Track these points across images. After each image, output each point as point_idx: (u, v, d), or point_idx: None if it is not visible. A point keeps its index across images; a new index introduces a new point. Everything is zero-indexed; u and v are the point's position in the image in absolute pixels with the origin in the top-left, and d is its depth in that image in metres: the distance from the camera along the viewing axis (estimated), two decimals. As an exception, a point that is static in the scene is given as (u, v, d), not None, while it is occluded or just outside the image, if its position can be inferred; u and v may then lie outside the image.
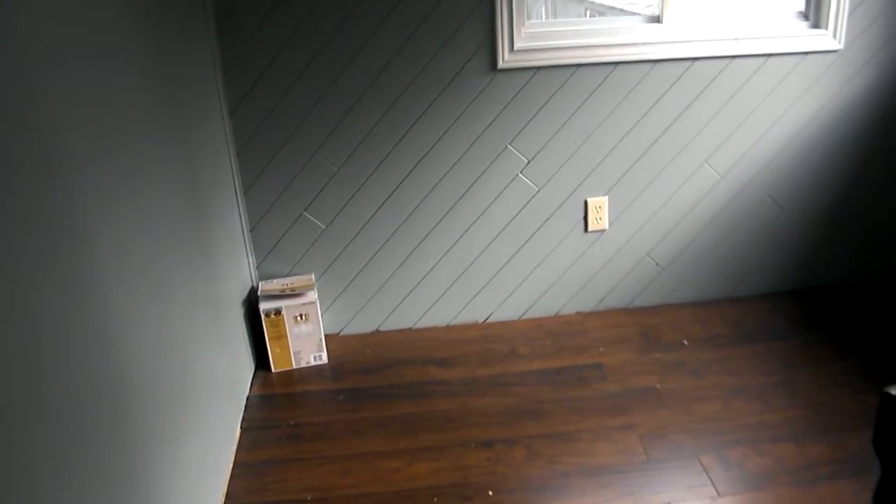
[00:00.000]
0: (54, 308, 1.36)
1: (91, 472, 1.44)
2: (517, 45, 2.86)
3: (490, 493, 2.33)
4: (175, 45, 2.32)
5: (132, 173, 1.84)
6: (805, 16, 3.05)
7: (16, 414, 1.19)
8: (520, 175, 3.04)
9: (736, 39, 2.96)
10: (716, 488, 2.29)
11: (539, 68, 2.89)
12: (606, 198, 3.11)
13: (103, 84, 1.71)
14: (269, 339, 2.95)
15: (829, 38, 2.99)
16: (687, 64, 2.96)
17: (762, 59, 2.99)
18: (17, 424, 1.19)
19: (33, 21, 1.39)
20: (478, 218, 3.08)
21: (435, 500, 2.31)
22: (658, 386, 2.77)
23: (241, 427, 2.66)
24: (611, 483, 2.33)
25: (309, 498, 2.34)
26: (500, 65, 2.86)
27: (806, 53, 3.01)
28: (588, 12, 6.63)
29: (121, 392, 1.63)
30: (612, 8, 6.30)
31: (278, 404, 2.82)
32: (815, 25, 3.02)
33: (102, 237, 1.61)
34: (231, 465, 2.48)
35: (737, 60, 2.99)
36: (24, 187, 1.29)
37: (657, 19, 2.99)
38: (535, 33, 2.91)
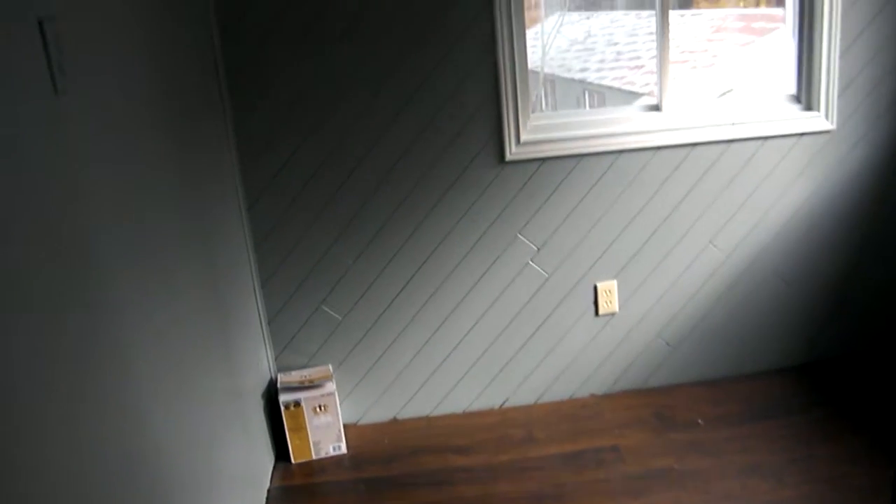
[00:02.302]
0: (89, 399, 1.42)
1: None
2: (523, 138, 2.97)
3: (515, 582, 2.34)
4: (196, 141, 2.44)
5: (161, 270, 1.92)
6: (797, 98, 3.17)
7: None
8: (530, 262, 3.12)
9: (733, 124, 3.08)
10: (740, 570, 2.30)
11: (545, 159, 3.00)
12: (615, 281, 3.19)
13: (135, 183, 1.81)
14: (288, 430, 2.98)
15: (821, 120, 3.10)
16: (687, 149, 3.07)
17: (759, 142, 3.10)
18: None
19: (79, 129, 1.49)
20: (491, 305, 3.15)
21: (461, 591, 2.32)
22: (675, 466, 2.79)
23: (263, 521, 2.68)
24: (635, 568, 2.35)
25: (335, 593, 2.35)
26: (508, 157, 2.97)
27: (801, 135, 3.12)
28: (587, 93, 6.84)
29: (145, 484, 1.66)
30: (611, 88, 6.51)
31: (299, 496, 2.84)
32: (808, 108, 3.13)
33: (136, 333, 1.69)
34: (256, 561, 2.50)
35: (735, 144, 3.10)
36: (64, 292, 1.37)
37: (656, 107, 3.11)
38: (539, 125, 3.03)
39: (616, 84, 6.31)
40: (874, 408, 3.03)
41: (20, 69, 1.31)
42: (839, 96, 3.08)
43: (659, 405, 3.20)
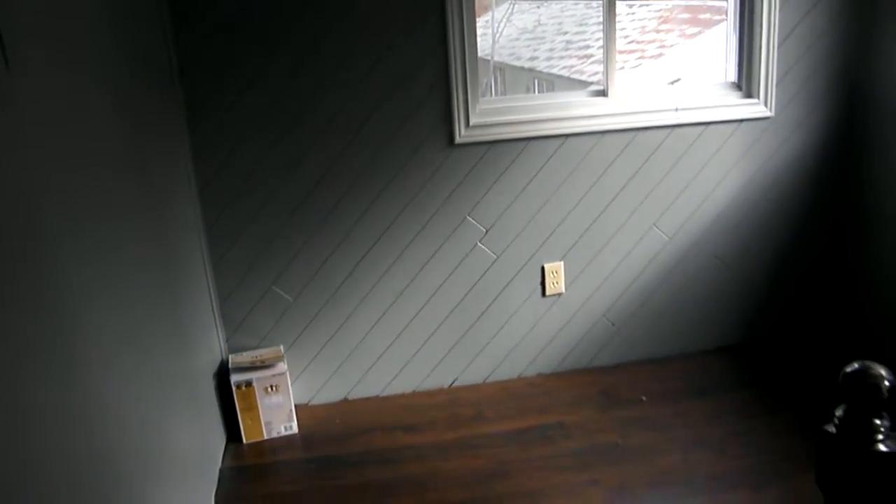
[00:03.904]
0: (37, 377, 1.42)
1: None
2: (473, 121, 3.02)
3: (464, 553, 2.39)
4: (149, 120, 2.45)
5: (110, 250, 1.92)
6: (738, 86, 3.27)
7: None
8: (479, 244, 3.18)
9: (676, 110, 3.16)
10: (679, 538, 2.39)
11: (494, 142, 3.06)
12: (562, 263, 3.26)
13: (85, 159, 1.81)
14: (240, 410, 3.00)
15: (760, 107, 3.21)
16: (632, 134, 3.15)
17: (701, 128, 3.20)
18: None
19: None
20: (440, 286, 3.20)
21: (410, 562, 2.36)
22: (620, 442, 2.88)
23: (214, 500, 2.70)
24: (579, 537, 2.42)
25: (287, 567, 2.38)
26: (457, 140, 3.02)
27: (741, 121, 3.22)
28: (537, 81, 6.91)
29: (97, 467, 1.67)
30: (560, 77, 6.59)
31: (251, 475, 2.86)
32: (748, 95, 3.24)
33: (86, 312, 1.70)
34: (208, 538, 2.52)
35: (678, 129, 3.19)
36: (21, 277, 1.38)
37: (603, 93, 3.18)
38: (489, 109, 3.08)
39: (565, 73, 6.40)
40: (809, 384, 3.15)
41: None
42: (777, 85, 3.19)
43: (604, 383, 3.29)
